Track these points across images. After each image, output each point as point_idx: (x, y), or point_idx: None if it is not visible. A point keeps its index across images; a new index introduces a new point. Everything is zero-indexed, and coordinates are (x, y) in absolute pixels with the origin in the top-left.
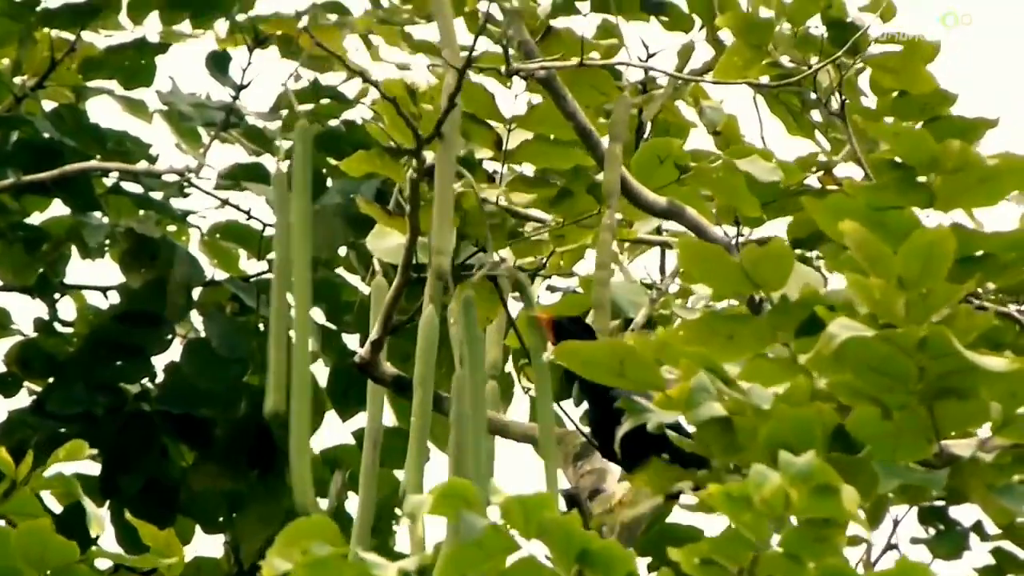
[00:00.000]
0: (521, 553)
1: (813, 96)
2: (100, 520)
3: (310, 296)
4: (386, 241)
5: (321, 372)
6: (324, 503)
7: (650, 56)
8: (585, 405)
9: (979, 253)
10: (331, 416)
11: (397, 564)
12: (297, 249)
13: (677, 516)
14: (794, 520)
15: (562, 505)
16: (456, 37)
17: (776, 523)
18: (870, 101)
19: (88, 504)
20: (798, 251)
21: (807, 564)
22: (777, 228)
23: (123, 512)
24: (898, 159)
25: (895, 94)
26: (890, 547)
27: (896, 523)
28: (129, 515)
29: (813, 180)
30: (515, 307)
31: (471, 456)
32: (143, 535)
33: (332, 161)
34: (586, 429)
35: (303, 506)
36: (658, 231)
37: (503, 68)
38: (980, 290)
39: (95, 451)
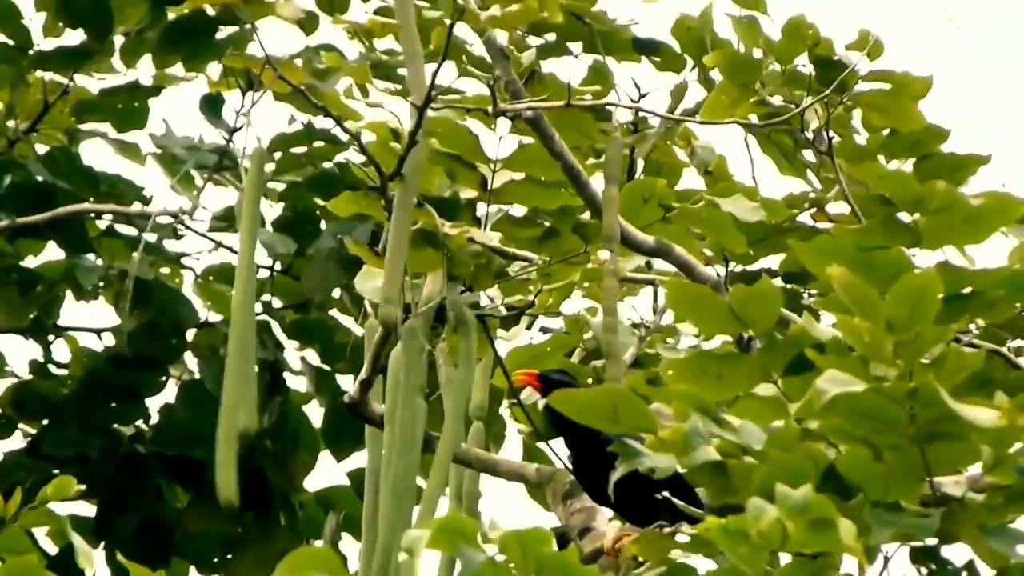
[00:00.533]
0: None
1: (805, 135)
2: (89, 556)
3: (252, 307)
4: (374, 281)
5: (316, 413)
6: (319, 544)
7: (642, 96)
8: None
9: (968, 291)
10: (325, 456)
11: None
12: (242, 262)
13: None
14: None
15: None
16: (423, 78)
17: (772, 558)
18: (863, 138)
19: (77, 540)
20: (791, 286)
21: None
22: (769, 265)
23: (117, 553)
24: (883, 198)
25: (886, 132)
26: None
27: (887, 560)
28: (120, 556)
29: (807, 217)
30: (503, 347)
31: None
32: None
33: (321, 203)
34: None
35: (226, 500)
36: (648, 267)
37: (490, 109)
38: (972, 327)
39: (83, 487)
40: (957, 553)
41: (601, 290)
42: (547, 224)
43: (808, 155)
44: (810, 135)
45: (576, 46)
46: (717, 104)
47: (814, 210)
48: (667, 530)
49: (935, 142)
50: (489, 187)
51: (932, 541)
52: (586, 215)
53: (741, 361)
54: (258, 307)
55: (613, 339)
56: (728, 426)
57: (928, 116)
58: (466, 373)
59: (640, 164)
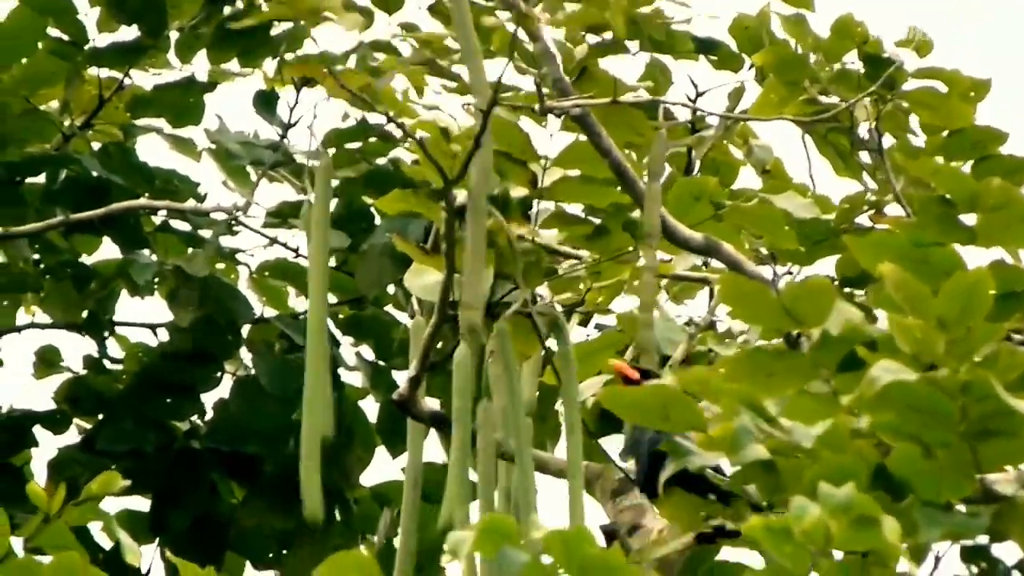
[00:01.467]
0: None
1: (859, 135)
2: (136, 552)
3: (326, 314)
4: (423, 279)
5: (371, 409)
6: (374, 540)
7: (699, 95)
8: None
9: (1021, 289)
10: (381, 452)
11: None
12: (313, 276)
13: (727, 554)
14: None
15: (601, 541)
16: (485, 78)
17: (818, 556)
18: (921, 140)
19: (123, 535)
20: (847, 290)
21: None
22: (827, 267)
23: (173, 549)
24: (942, 197)
25: (944, 133)
26: None
27: (938, 559)
28: (170, 554)
29: (865, 220)
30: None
31: (517, 486)
32: (183, 574)
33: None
34: (624, 465)
35: (312, 514)
36: (705, 267)
37: (537, 106)
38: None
39: (128, 483)
40: (1008, 552)
41: (640, 285)
42: (597, 222)
43: (864, 157)
44: (864, 135)
45: (633, 44)
46: (766, 102)
47: (872, 212)
48: (712, 522)
49: (993, 144)
50: (540, 184)
51: (983, 539)
52: (636, 213)
53: (792, 358)
54: None
55: (648, 334)
56: (778, 424)
57: (985, 118)
58: (567, 378)
59: (697, 164)
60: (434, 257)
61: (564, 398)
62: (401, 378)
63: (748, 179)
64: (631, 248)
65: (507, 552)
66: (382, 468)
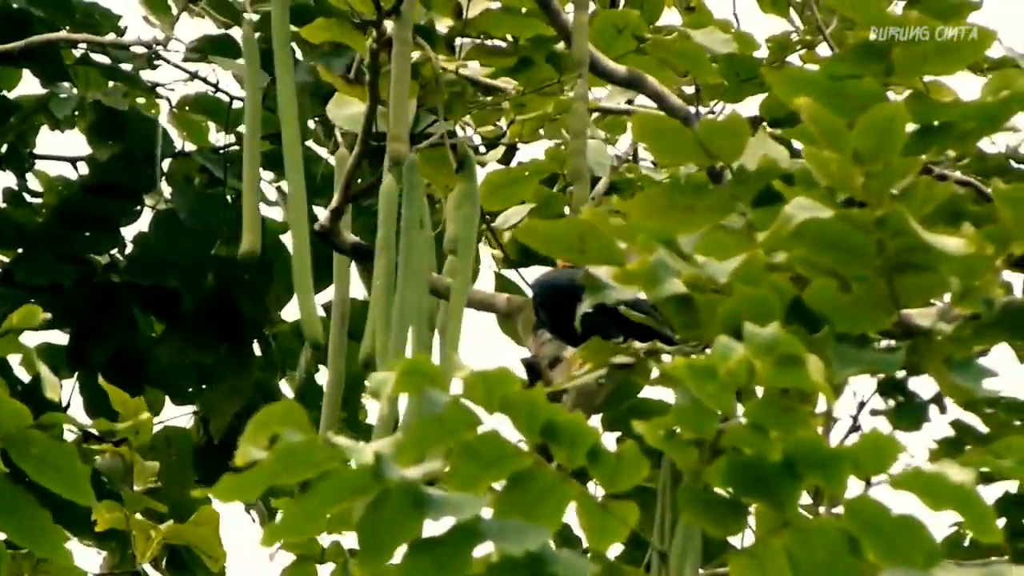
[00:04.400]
0: (484, 428)
1: None
2: (55, 385)
3: (299, 139)
4: (346, 109)
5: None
6: (295, 375)
7: None
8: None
9: (938, 123)
10: None
11: (372, 446)
12: (283, 100)
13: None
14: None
15: (522, 374)
16: None
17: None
18: None
19: (43, 369)
20: (777, 130)
21: (772, 435)
22: (755, 106)
23: (92, 383)
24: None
25: None
26: (855, 428)
27: (862, 404)
28: (102, 380)
29: (797, 59)
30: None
31: (411, 319)
32: (113, 401)
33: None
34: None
35: (313, 338)
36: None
37: None
38: (942, 158)
39: (49, 315)
40: (925, 386)
41: (571, 114)
42: (521, 54)
43: None
44: None
45: None
46: None
47: (804, 51)
48: (638, 345)
49: None
50: (464, 15)
51: (900, 374)
52: (560, 45)
53: (710, 193)
54: (231, 138)
55: (580, 161)
56: (693, 260)
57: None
58: (471, 212)
59: (622, 0)
60: (358, 88)
61: (461, 238)
62: (322, 213)
63: (672, 19)
64: (555, 80)
65: (429, 393)
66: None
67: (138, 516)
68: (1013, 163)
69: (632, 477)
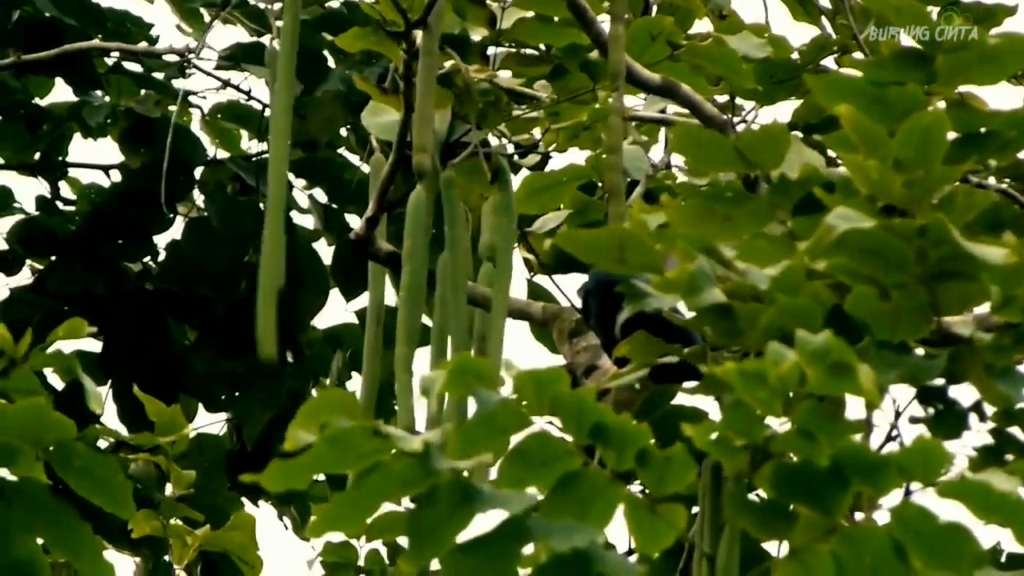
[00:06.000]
0: (533, 428)
1: None
2: (99, 397)
3: (286, 160)
4: (381, 117)
5: (325, 253)
6: (327, 382)
7: None
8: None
9: (981, 131)
10: (334, 295)
11: (421, 436)
12: (276, 115)
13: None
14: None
15: None
16: None
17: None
18: None
19: (87, 381)
20: (813, 136)
21: (821, 442)
22: (789, 111)
23: (125, 391)
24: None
25: None
26: (891, 438)
27: (898, 413)
28: (137, 390)
29: (831, 63)
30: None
31: (453, 334)
32: (149, 411)
33: (331, 39)
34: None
35: (266, 356)
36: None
37: None
38: (981, 167)
39: (95, 329)
40: (964, 394)
41: (607, 128)
42: (555, 63)
43: (824, 1)
44: None
45: None
46: None
47: (839, 55)
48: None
49: None
50: (498, 25)
51: (939, 382)
52: (594, 54)
53: (749, 201)
54: (264, 146)
55: (616, 177)
56: (734, 267)
57: None
58: (507, 223)
59: (655, 8)
60: (392, 97)
61: (498, 247)
62: (355, 222)
63: (706, 27)
64: (590, 89)
65: (479, 392)
66: (336, 312)
67: (174, 522)
68: None
69: (681, 480)
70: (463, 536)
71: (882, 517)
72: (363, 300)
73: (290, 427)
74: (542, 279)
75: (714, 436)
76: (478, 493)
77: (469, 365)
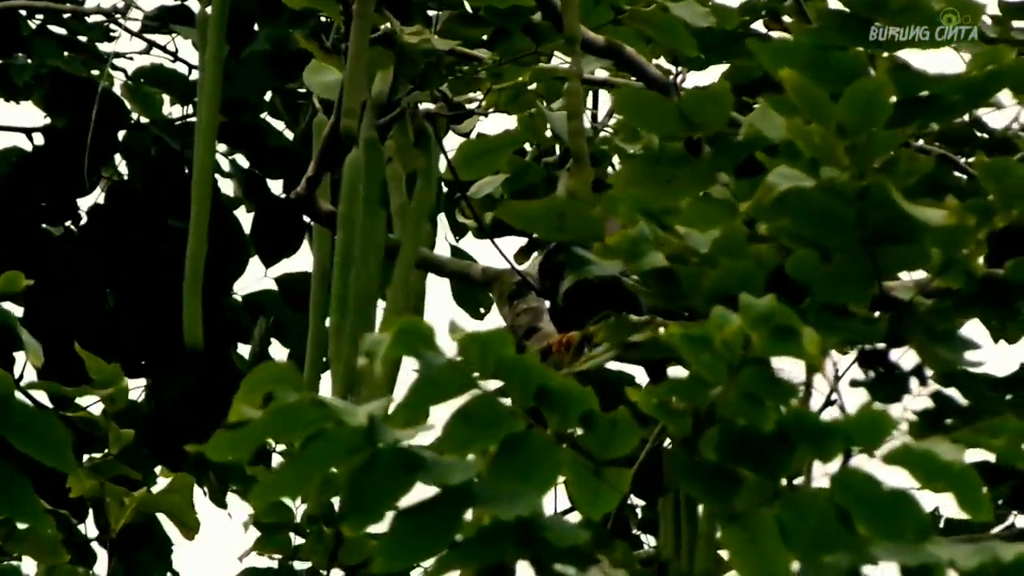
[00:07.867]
0: (477, 391)
1: None
2: (38, 350)
3: (215, 131)
4: (323, 76)
5: (245, 219)
6: (247, 348)
7: None
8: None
9: (924, 94)
10: (253, 262)
11: (366, 407)
12: (206, 83)
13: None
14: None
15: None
16: None
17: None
18: None
19: (25, 334)
20: (743, 98)
21: (767, 406)
22: (719, 73)
23: (47, 351)
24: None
25: None
26: (830, 403)
27: (838, 377)
28: (78, 346)
29: (760, 26)
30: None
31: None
32: (89, 367)
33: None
34: (521, 267)
35: (192, 341)
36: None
37: None
38: (923, 131)
39: (31, 282)
40: (905, 358)
41: (565, 95)
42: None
43: None
44: None
45: None
46: None
47: (767, 18)
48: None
49: None
50: None
51: (880, 346)
52: (537, 16)
53: (691, 163)
54: (188, 110)
55: (580, 142)
56: (674, 231)
57: None
58: (426, 186)
59: None
60: (334, 56)
61: (413, 213)
62: (276, 187)
63: None
64: (532, 51)
65: (424, 354)
66: (255, 278)
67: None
68: (976, 132)
69: (626, 444)
70: (406, 500)
71: (820, 484)
72: (281, 267)
73: (234, 400)
74: (484, 243)
75: (657, 401)
76: (421, 462)
77: (413, 327)
